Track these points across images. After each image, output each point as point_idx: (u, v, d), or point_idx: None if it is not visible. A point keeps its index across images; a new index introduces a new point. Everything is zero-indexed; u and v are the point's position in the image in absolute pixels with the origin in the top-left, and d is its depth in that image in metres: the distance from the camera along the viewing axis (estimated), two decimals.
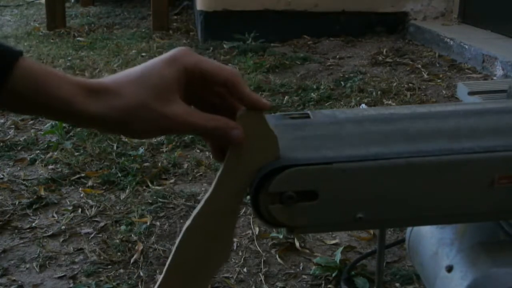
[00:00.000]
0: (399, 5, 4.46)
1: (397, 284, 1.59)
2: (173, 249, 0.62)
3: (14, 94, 0.54)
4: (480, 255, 0.77)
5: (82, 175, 2.27)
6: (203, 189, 2.14)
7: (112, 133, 0.60)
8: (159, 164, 2.33)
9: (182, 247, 0.61)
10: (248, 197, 0.61)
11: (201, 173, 2.27)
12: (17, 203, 2.06)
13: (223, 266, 0.68)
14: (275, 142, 0.60)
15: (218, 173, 0.60)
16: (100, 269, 1.68)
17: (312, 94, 3.12)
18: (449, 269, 0.79)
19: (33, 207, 2.03)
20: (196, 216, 0.61)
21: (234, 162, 0.60)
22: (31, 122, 2.88)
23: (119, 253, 1.74)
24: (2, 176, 2.28)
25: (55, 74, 0.55)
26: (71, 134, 2.67)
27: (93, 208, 2.02)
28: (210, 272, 0.64)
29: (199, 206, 0.61)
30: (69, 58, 3.97)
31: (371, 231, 1.83)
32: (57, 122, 2.70)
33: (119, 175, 2.24)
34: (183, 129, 0.58)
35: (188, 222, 0.61)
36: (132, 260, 1.71)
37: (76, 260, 1.74)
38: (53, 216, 1.99)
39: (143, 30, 4.91)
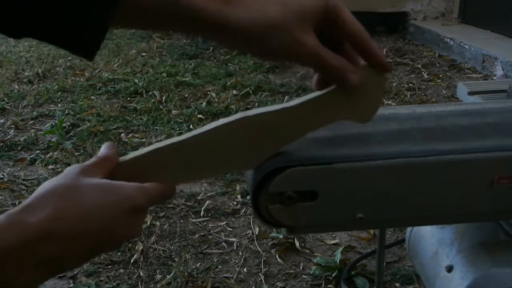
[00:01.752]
0: (399, 5, 4.46)
1: (397, 284, 1.59)
2: (209, 125, 0.59)
3: (137, 8, 0.52)
4: (480, 255, 0.77)
5: None
6: (203, 189, 2.14)
7: (236, 47, 0.57)
8: None
9: (223, 129, 0.58)
10: (248, 197, 0.61)
11: None
12: (17, 203, 2.06)
13: (238, 171, 0.65)
14: (375, 110, 0.61)
15: (312, 95, 0.60)
16: (100, 269, 1.68)
17: None
18: (449, 269, 0.79)
19: None
20: (262, 113, 0.59)
21: (333, 98, 0.60)
22: (31, 122, 2.89)
23: (119, 253, 1.74)
24: (2, 176, 2.28)
25: None
26: (71, 134, 2.67)
27: None
28: (223, 169, 0.62)
29: (271, 107, 0.60)
30: (69, 58, 3.97)
31: (371, 231, 1.83)
32: (57, 122, 2.70)
33: None
34: (310, 59, 0.58)
35: (249, 113, 0.59)
36: (132, 260, 1.71)
37: None
38: None
39: None
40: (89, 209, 0.52)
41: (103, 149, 0.59)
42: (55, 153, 2.47)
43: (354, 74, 0.58)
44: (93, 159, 0.58)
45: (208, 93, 3.20)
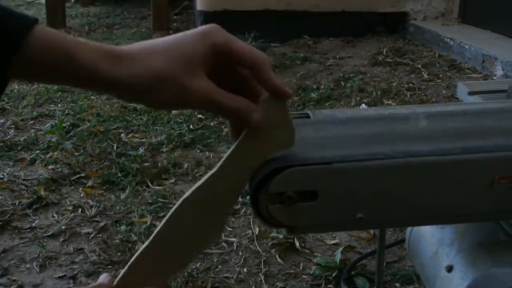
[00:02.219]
0: (399, 5, 4.46)
1: (397, 284, 1.59)
2: (164, 220, 0.61)
3: (32, 63, 0.53)
4: (480, 255, 0.77)
5: (82, 175, 2.27)
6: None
7: (132, 101, 0.58)
8: (159, 164, 2.33)
9: (174, 218, 0.60)
10: (248, 197, 0.61)
11: (201, 173, 2.26)
12: (17, 203, 2.06)
13: (209, 247, 0.67)
14: (292, 134, 0.60)
15: (230, 150, 0.60)
16: (100, 269, 1.68)
17: (312, 94, 3.12)
18: (449, 269, 0.79)
19: (33, 207, 2.03)
20: (197, 189, 0.60)
21: (248, 143, 0.60)
22: (31, 122, 2.89)
23: (119, 253, 1.74)
24: (2, 176, 2.28)
25: (76, 40, 0.54)
26: (71, 134, 2.67)
27: (93, 208, 2.02)
28: (196, 249, 0.63)
29: (202, 179, 0.60)
30: None
31: (371, 231, 1.83)
32: (57, 122, 2.70)
33: (119, 175, 2.24)
34: (205, 105, 0.57)
35: (186, 194, 0.60)
36: None
37: (76, 260, 1.74)
38: (53, 216, 1.99)
39: (143, 30, 4.91)
40: None
41: (96, 283, 0.61)
42: (55, 153, 2.47)
43: (255, 112, 0.58)
44: None
45: None
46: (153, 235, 0.60)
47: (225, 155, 0.60)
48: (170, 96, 0.56)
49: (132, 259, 0.61)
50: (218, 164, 0.60)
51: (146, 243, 0.61)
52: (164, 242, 0.61)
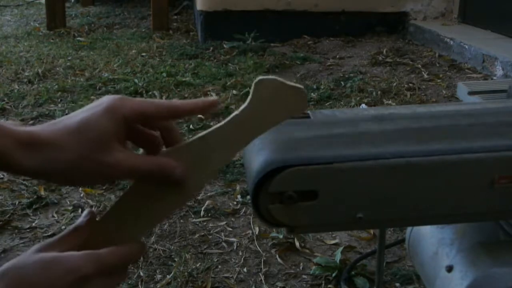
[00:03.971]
0: (399, 5, 4.46)
1: (397, 284, 1.59)
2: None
3: None
4: (480, 255, 0.77)
5: None
6: (203, 189, 2.14)
7: (54, 183, 0.59)
8: None
9: None
10: (248, 196, 0.61)
11: None
12: (17, 203, 2.06)
13: (178, 209, 0.66)
14: (299, 96, 0.60)
15: (232, 116, 0.60)
16: None
17: (312, 94, 3.12)
18: (449, 269, 0.79)
19: (33, 207, 2.03)
20: (187, 144, 0.60)
21: (253, 113, 0.60)
22: (31, 122, 2.88)
23: None
24: (2, 176, 2.28)
25: None
26: None
27: (93, 208, 2.02)
28: (164, 210, 0.62)
29: (205, 132, 0.60)
30: (69, 58, 3.97)
31: (371, 231, 1.83)
32: None
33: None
34: (127, 175, 0.58)
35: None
36: None
37: None
38: (53, 216, 1.99)
39: (143, 30, 4.91)
40: (29, 286, 0.52)
41: (78, 220, 0.60)
42: None
43: (177, 168, 0.58)
44: (62, 233, 0.59)
45: (208, 93, 3.20)
46: (128, 189, 0.61)
47: (225, 120, 0.60)
48: (89, 175, 0.56)
49: (110, 208, 0.61)
50: (215, 126, 0.60)
51: (122, 195, 0.61)
52: (137, 198, 0.60)
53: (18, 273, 0.53)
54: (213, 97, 0.61)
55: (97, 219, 0.61)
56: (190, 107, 0.59)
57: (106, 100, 0.57)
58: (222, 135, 0.60)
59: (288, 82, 0.60)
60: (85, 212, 0.61)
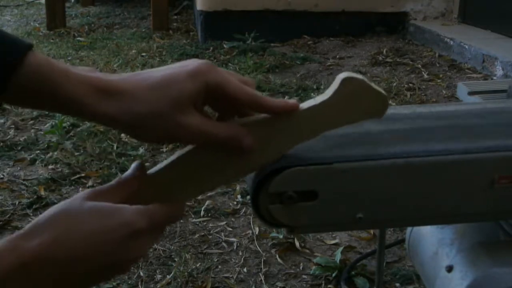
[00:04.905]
0: (399, 5, 4.46)
1: (397, 284, 1.59)
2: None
3: (22, 90, 0.53)
4: (480, 255, 0.77)
5: (82, 175, 2.27)
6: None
7: (123, 133, 0.59)
8: None
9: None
10: (248, 197, 0.61)
11: None
12: (17, 203, 2.06)
13: (226, 183, 0.65)
14: (379, 101, 0.60)
15: (316, 103, 0.59)
16: None
17: (312, 94, 3.12)
18: (449, 269, 0.79)
19: (33, 207, 2.03)
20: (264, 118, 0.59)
21: (331, 109, 0.59)
22: (31, 122, 2.88)
23: None
24: (2, 176, 2.28)
25: (65, 71, 0.54)
26: (71, 134, 2.67)
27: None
28: (218, 180, 0.62)
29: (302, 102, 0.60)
30: (69, 58, 3.97)
31: (371, 231, 1.83)
32: (57, 122, 2.70)
33: (119, 175, 2.23)
34: (195, 139, 0.57)
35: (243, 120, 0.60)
36: None
37: None
38: None
39: (143, 30, 4.91)
40: (84, 235, 0.52)
41: (128, 171, 0.60)
42: (55, 153, 2.46)
43: (246, 137, 0.58)
44: (111, 182, 0.58)
45: None
46: (185, 150, 0.60)
47: (303, 107, 0.59)
48: (160, 132, 0.56)
49: (166, 162, 0.60)
50: (305, 104, 0.59)
51: (178, 154, 0.60)
52: (197, 160, 0.60)
53: (71, 220, 0.53)
54: (294, 100, 0.60)
55: (147, 172, 0.60)
56: (272, 106, 0.58)
57: (193, 63, 0.57)
58: (295, 121, 0.59)
59: (374, 86, 0.60)
60: (134, 164, 0.60)
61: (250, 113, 0.61)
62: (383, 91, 0.60)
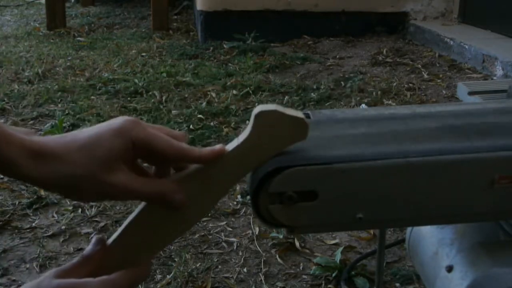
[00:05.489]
0: (399, 5, 4.46)
1: (397, 284, 1.59)
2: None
3: None
4: (480, 255, 0.77)
5: None
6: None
7: (57, 194, 0.62)
8: None
9: None
10: (248, 197, 0.62)
11: None
12: (17, 203, 2.06)
13: (183, 235, 0.68)
14: (299, 126, 0.61)
15: (238, 144, 0.61)
16: None
17: (312, 94, 3.12)
18: (449, 269, 0.79)
19: (33, 207, 2.03)
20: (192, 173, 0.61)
21: (252, 144, 0.61)
22: (31, 122, 2.89)
23: None
24: (2, 177, 2.28)
25: (1, 132, 0.55)
26: None
27: (93, 208, 2.02)
28: (170, 235, 0.64)
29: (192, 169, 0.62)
30: (69, 58, 3.97)
31: (371, 231, 1.83)
32: (57, 122, 2.70)
33: None
34: (127, 196, 0.59)
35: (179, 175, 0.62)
36: None
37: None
38: (53, 216, 1.99)
39: (143, 30, 4.91)
40: None
41: (88, 247, 0.62)
42: None
43: (177, 194, 0.59)
44: (74, 260, 0.60)
45: (208, 93, 3.20)
46: (136, 213, 0.62)
47: (227, 150, 0.61)
48: (91, 192, 0.58)
49: (120, 229, 0.62)
50: (231, 146, 0.61)
51: (130, 218, 0.62)
52: (146, 223, 0.62)
53: None
54: (219, 145, 0.61)
55: (106, 243, 0.62)
56: (199, 156, 0.60)
57: (118, 120, 0.59)
58: (224, 165, 0.61)
59: (288, 112, 0.60)
60: (94, 240, 0.62)
61: (185, 165, 0.62)
62: (299, 115, 0.61)
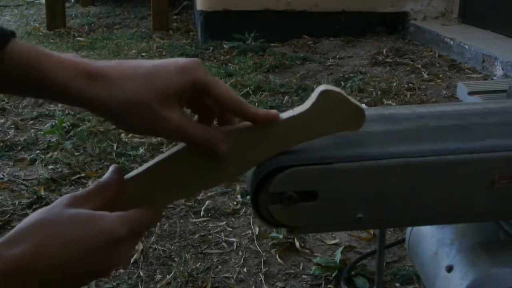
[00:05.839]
0: (399, 5, 4.46)
1: (397, 284, 1.59)
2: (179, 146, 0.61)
3: (7, 77, 0.53)
4: (480, 255, 0.77)
5: (82, 175, 2.27)
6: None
7: (105, 119, 0.59)
8: None
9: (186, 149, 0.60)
10: (248, 197, 0.62)
11: None
12: (17, 203, 2.06)
13: (208, 188, 0.66)
14: (356, 115, 0.61)
15: (294, 114, 0.60)
16: None
17: (312, 94, 3.11)
18: (449, 269, 0.79)
19: (33, 207, 2.03)
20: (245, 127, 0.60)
21: (307, 121, 0.60)
22: (31, 122, 2.89)
23: None
24: (2, 176, 2.28)
25: (50, 55, 0.54)
26: (71, 134, 2.67)
27: None
28: (198, 186, 0.62)
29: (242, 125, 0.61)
30: None
31: (371, 231, 1.83)
32: (57, 122, 2.70)
33: None
34: (173, 135, 0.57)
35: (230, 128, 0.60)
36: (132, 260, 1.71)
37: None
38: None
39: (143, 30, 4.91)
40: (65, 243, 0.52)
41: (105, 176, 0.60)
42: (55, 153, 2.46)
43: (222, 143, 0.58)
44: (89, 188, 0.58)
45: None
46: (167, 154, 0.60)
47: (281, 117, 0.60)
48: (140, 122, 0.56)
49: (145, 166, 0.61)
50: (285, 114, 0.60)
51: (159, 158, 0.60)
52: (178, 165, 0.60)
53: (51, 228, 0.53)
54: (275, 111, 0.61)
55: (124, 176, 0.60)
56: (255, 114, 0.59)
57: (182, 59, 0.57)
58: (273, 131, 0.60)
59: (352, 99, 0.60)
60: (112, 168, 0.60)
61: (229, 121, 0.61)
62: (360, 105, 0.61)
